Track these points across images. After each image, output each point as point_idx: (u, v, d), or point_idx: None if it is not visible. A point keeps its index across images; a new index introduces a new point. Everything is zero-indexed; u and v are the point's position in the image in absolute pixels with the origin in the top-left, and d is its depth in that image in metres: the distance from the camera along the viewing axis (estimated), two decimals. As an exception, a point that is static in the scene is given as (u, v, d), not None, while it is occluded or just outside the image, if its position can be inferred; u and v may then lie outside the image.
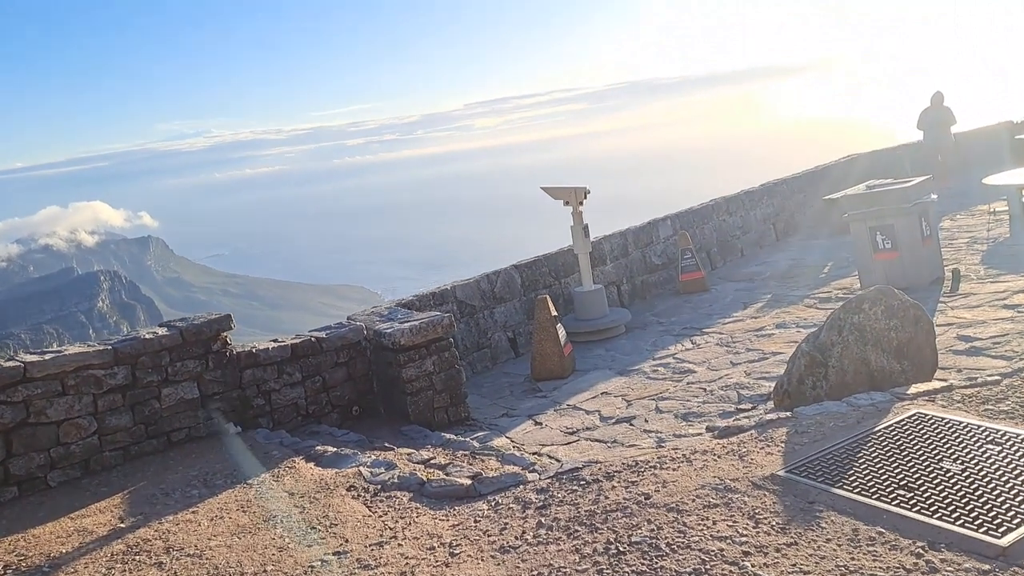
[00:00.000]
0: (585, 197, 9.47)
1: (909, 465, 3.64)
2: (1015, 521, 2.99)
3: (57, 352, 5.46)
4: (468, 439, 6.32)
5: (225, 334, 6.24)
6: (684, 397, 6.79)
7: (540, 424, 6.85)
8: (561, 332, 8.36)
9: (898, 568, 2.80)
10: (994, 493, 3.25)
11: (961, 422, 4.10)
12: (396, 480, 4.69)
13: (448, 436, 6.32)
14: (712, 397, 6.63)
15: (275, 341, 6.78)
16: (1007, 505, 3.13)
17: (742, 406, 6.26)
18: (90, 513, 4.76)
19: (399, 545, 3.77)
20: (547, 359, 8.24)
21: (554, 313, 8.30)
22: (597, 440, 6.20)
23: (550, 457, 5.82)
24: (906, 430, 4.10)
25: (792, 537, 3.12)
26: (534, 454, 5.90)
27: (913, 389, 4.70)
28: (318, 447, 5.61)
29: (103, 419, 5.58)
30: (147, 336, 5.82)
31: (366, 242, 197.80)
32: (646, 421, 6.40)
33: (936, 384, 4.79)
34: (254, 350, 6.43)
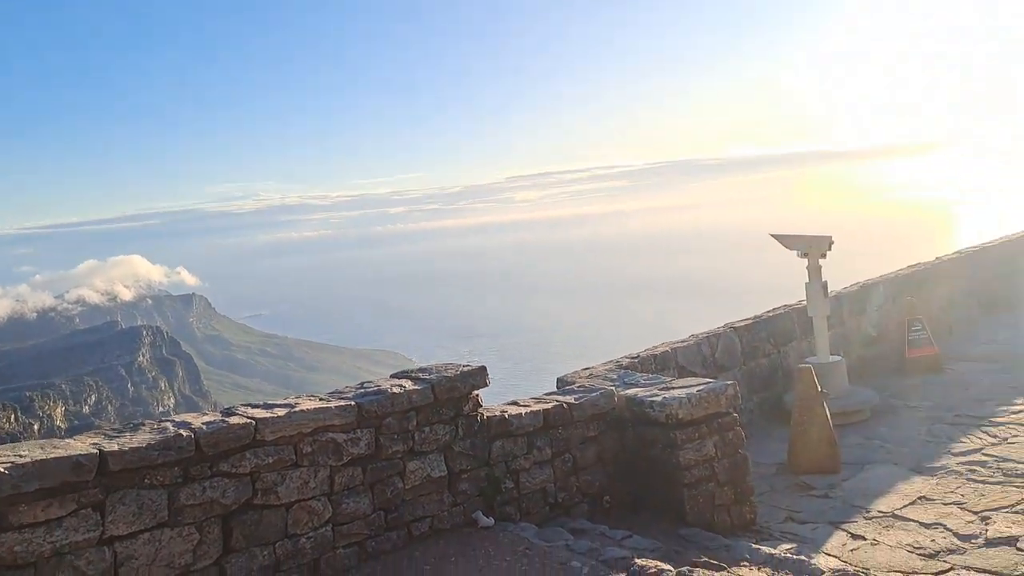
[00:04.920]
0: (829, 248, 7.90)
1: None
2: None
3: (289, 406, 3.92)
4: (790, 555, 4.61)
5: (478, 393, 4.69)
6: (1067, 511, 5.01)
7: (861, 538, 5.12)
8: (828, 414, 6.67)
9: None
10: None
11: None
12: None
13: (765, 550, 4.63)
14: (1120, 514, 4.84)
15: (516, 404, 5.20)
16: None
17: None
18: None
19: None
20: (813, 447, 6.52)
21: (820, 389, 6.63)
22: (987, 572, 4.44)
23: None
24: None
25: None
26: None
27: None
28: (638, 561, 3.95)
29: (338, 502, 4.00)
30: (394, 390, 4.27)
31: (401, 309, 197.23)
32: (1042, 544, 4.63)
33: None
34: (506, 415, 4.84)
